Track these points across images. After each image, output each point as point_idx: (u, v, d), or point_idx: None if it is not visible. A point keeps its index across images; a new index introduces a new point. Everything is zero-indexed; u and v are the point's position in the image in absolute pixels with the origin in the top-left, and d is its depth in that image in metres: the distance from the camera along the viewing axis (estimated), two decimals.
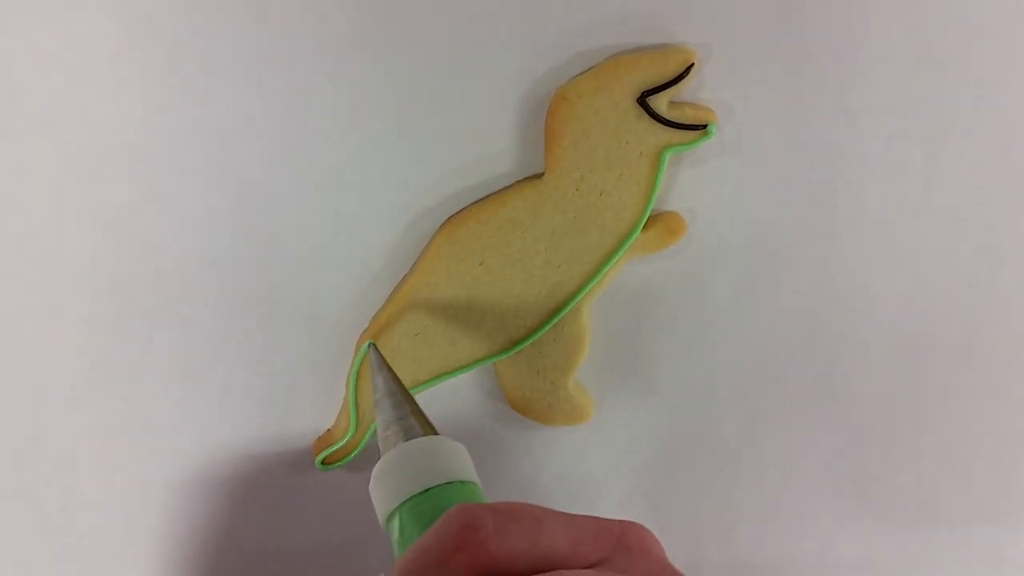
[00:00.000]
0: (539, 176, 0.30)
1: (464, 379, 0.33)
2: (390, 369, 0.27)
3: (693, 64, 0.29)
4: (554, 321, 0.31)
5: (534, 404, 0.32)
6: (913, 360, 0.33)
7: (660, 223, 0.31)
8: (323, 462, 0.33)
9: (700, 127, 0.29)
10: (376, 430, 0.26)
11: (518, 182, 0.31)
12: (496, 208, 0.30)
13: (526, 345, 0.31)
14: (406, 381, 0.32)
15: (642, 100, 0.29)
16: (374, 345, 0.29)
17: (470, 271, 0.31)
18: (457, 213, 0.31)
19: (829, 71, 0.30)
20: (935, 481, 0.34)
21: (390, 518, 0.23)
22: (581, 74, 0.29)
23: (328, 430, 0.33)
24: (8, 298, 0.32)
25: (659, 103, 0.29)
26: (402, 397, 0.26)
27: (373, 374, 0.28)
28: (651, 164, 0.29)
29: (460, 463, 0.24)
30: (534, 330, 0.31)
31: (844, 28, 0.30)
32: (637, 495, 0.34)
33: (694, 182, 0.31)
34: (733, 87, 0.30)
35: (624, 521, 0.21)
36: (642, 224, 0.30)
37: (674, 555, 0.24)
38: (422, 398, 0.32)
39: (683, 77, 0.29)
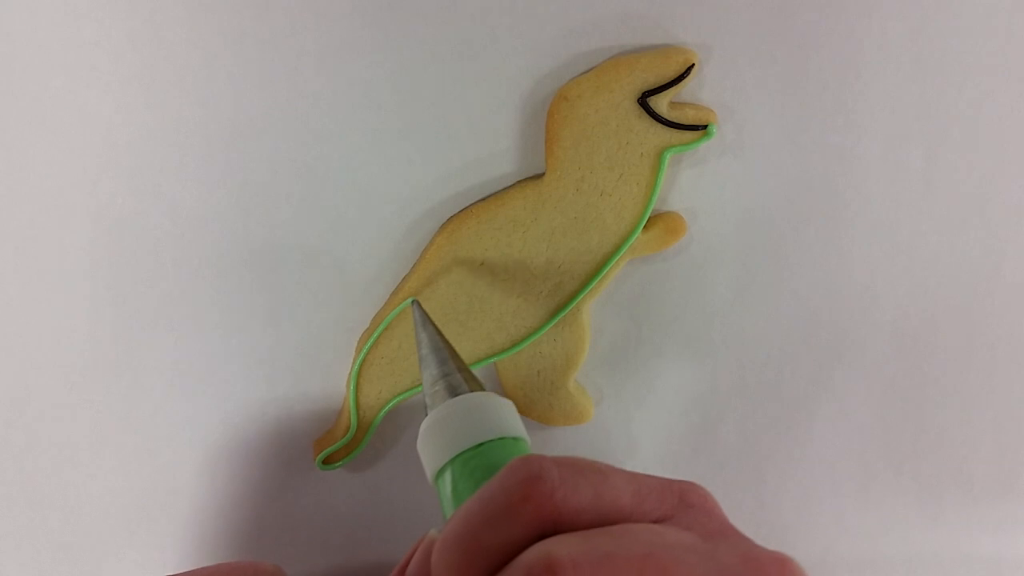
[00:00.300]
0: (540, 176, 0.30)
1: None
2: (434, 325, 0.27)
3: (694, 65, 0.29)
4: (554, 321, 0.31)
5: (534, 404, 0.32)
6: (913, 360, 0.33)
7: (660, 223, 0.31)
8: (323, 462, 0.33)
9: (700, 127, 0.29)
10: (422, 386, 0.25)
11: (519, 182, 0.31)
12: (497, 208, 0.30)
13: (526, 345, 0.31)
14: (406, 381, 0.32)
15: (643, 100, 0.29)
16: (417, 301, 0.28)
17: (470, 271, 0.31)
18: (458, 213, 0.31)
19: (829, 72, 0.30)
20: (935, 481, 0.34)
21: (440, 473, 0.22)
22: (582, 74, 0.29)
23: (328, 430, 0.33)
24: (8, 298, 0.32)
25: (660, 103, 0.29)
26: (448, 353, 0.26)
27: (417, 331, 0.27)
28: (652, 164, 0.29)
29: (511, 419, 0.23)
30: (534, 330, 0.31)
31: (844, 29, 0.30)
32: None
33: (694, 182, 0.31)
34: (733, 88, 0.30)
35: (685, 481, 0.20)
36: (643, 224, 0.30)
37: None
38: (422, 398, 0.33)
39: (683, 78, 0.29)
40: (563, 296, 0.31)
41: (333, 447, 0.33)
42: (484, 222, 0.30)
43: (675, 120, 0.29)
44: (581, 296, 0.31)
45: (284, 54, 0.30)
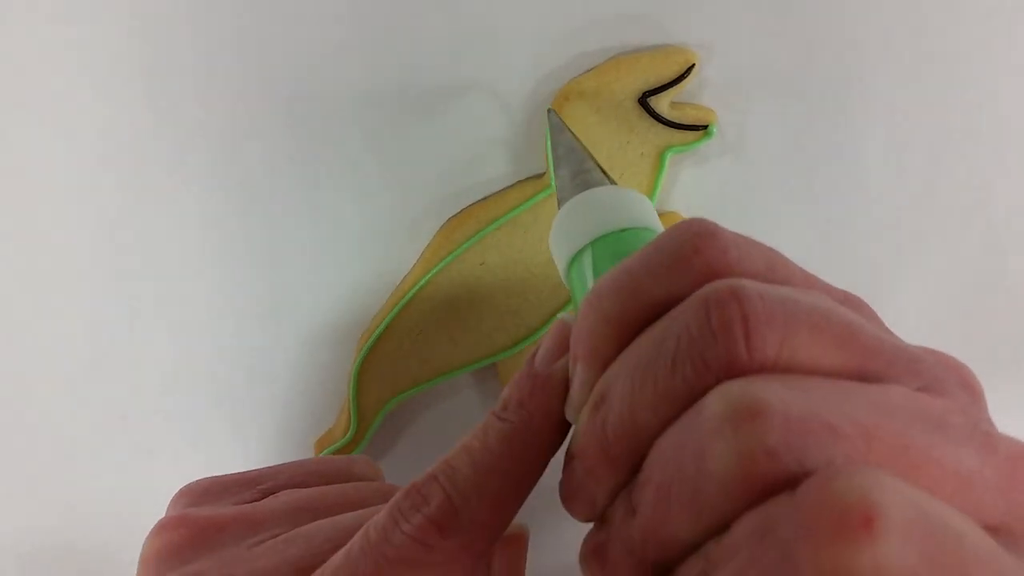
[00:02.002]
0: (540, 176, 0.30)
1: (465, 379, 0.33)
2: (571, 131, 0.26)
3: (694, 65, 0.29)
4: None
5: None
6: None
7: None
8: None
9: (701, 127, 0.29)
10: (555, 184, 0.24)
11: (519, 182, 0.31)
12: (497, 208, 0.30)
13: (527, 345, 0.31)
14: (406, 381, 0.32)
15: (643, 101, 0.29)
16: (552, 110, 0.27)
17: (471, 271, 0.31)
18: (458, 213, 0.31)
19: (830, 72, 0.30)
20: None
21: (578, 255, 0.21)
22: (582, 74, 0.29)
23: (328, 430, 0.33)
24: (8, 298, 0.32)
25: (660, 104, 0.29)
26: (587, 154, 0.24)
27: (555, 134, 0.26)
28: (652, 164, 0.29)
29: (654, 216, 0.22)
30: (534, 330, 0.31)
31: (845, 29, 0.30)
32: None
33: (695, 182, 0.31)
34: (734, 88, 0.30)
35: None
36: None
37: None
38: (422, 398, 0.33)
39: (684, 78, 0.29)
40: (563, 296, 0.31)
41: (333, 447, 0.33)
42: (484, 222, 0.30)
43: (676, 120, 0.29)
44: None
45: (284, 54, 0.30)
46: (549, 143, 0.26)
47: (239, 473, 0.26)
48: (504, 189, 0.31)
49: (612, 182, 0.23)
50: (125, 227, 0.31)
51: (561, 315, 0.19)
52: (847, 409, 0.14)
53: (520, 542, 0.21)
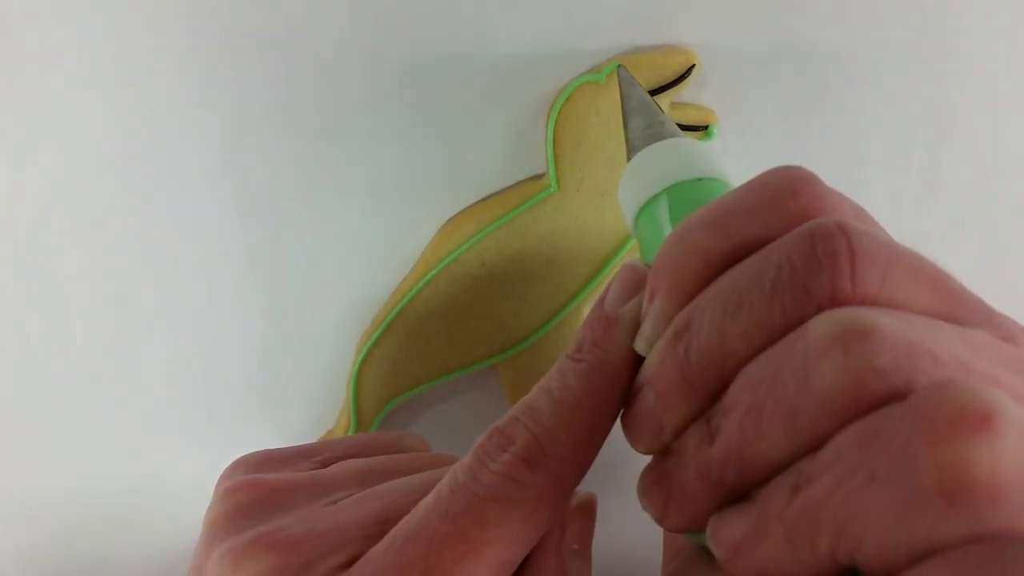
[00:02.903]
0: (540, 176, 0.30)
1: (465, 379, 0.33)
2: (641, 87, 0.26)
3: (694, 65, 0.29)
4: (555, 321, 0.31)
5: None
6: None
7: None
8: None
9: (701, 128, 0.29)
10: (627, 135, 0.24)
11: (519, 183, 0.31)
12: (497, 208, 0.30)
13: (527, 346, 0.31)
14: (406, 381, 0.32)
15: None
16: (621, 65, 0.27)
17: (471, 271, 0.31)
18: (458, 213, 0.31)
19: (830, 72, 0.30)
20: None
21: (651, 202, 0.21)
22: (582, 74, 0.29)
23: (328, 430, 0.33)
24: (8, 298, 0.32)
25: (660, 104, 0.29)
26: (658, 107, 0.25)
27: (626, 88, 0.26)
28: None
29: (726, 169, 0.22)
30: (535, 330, 0.31)
31: (845, 29, 0.29)
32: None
33: None
34: (734, 88, 0.30)
35: None
36: None
37: (655, 547, 0.24)
38: (422, 398, 0.33)
39: (684, 78, 0.29)
40: (563, 296, 0.31)
41: None
42: (484, 222, 0.30)
43: (676, 120, 0.29)
44: (582, 297, 0.31)
45: (284, 54, 0.30)
46: (621, 97, 0.26)
47: (293, 446, 0.26)
48: (504, 189, 0.31)
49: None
50: (125, 227, 0.31)
51: (627, 260, 0.20)
52: (944, 342, 0.15)
53: (590, 509, 0.22)
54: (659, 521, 0.19)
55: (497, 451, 0.19)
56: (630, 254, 0.30)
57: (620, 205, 0.23)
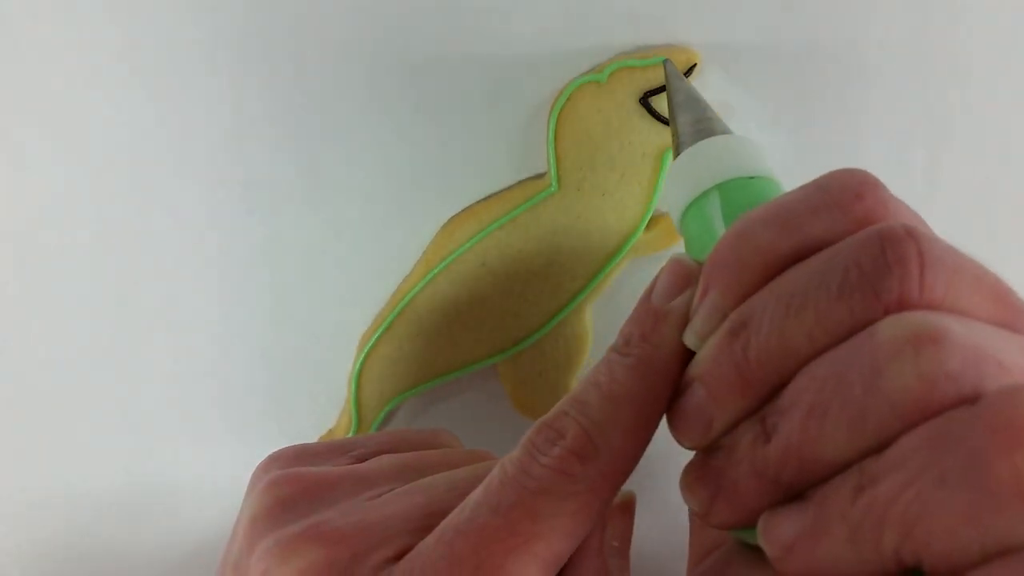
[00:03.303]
0: (541, 176, 0.30)
1: (466, 379, 0.33)
2: (687, 81, 0.26)
3: (696, 64, 0.29)
4: (556, 321, 0.31)
5: (535, 405, 0.32)
6: None
7: (662, 223, 0.31)
8: None
9: None
10: (674, 130, 0.24)
11: (520, 182, 0.31)
12: (497, 208, 0.30)
13: (528, 345, 0.31)
14: (407, 381, 0.32)
15: (645, 100, 0.29)
16: (668, 60, 0.27)
17: (471, 271, 0.31)
18: (458, 213, 0.31)
19: (831, 71, 0.30)
20: None
21: (701, 198, 0.21)
22: (583, 74, 0.29)
23: (329, 430, 0.33)
24: (8, 299, 0.32)
25: (662, 103, 0.29)
26: (706, 103, 0.24)
27: (673, 82, 0.26)
28: (653, 164, 0.29)
29: (773, 170, 0.22)
30: (535, 330, 0.31)
31: (846, 29, 0.30)
32: (639, 493, 0.34)
33: None
34: (735, 88, 0.30)
35: None
36: (644, 224, 0.30)
37: (676, 548, 0.24)
38: (422, 399, 0.33)
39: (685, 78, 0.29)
40: (564, 296, 0.31)
41: None
42: (485, 222, 0.30)
43: None
44: (582, 296, 0.31)
45: (285, 54, 0.30)
46: (668, 91, 0.26)
47: (325, 442, 0.26)
48: (504, 189, 0.31)
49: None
50: (125, 227, 0.31)
51: (675, 254, 0.20)
52: (1007, 349, 0.15)
53: (630, 507, 0.22)
54: (703, 517, 0.19)
55: (547, 444, 0.19)
56: (631, 254, 0.30)
57: (666, 199, 0.23)
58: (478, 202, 0.31)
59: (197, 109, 0.30)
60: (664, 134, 0.29)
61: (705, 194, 0.21)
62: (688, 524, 0.24)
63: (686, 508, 0.23)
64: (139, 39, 0.29)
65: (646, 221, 0.30)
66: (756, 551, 0.18)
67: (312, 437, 0.33)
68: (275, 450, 0.25)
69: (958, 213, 0.31)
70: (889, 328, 0.15)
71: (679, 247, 0.31)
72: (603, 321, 0.32)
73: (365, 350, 0.31)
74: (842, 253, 0.16)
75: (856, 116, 0.30)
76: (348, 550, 0.19)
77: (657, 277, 0.20)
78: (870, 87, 0.30)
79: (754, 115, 0.30)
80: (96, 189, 0.31)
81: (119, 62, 0.30)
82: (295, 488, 0.22)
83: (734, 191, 0.21)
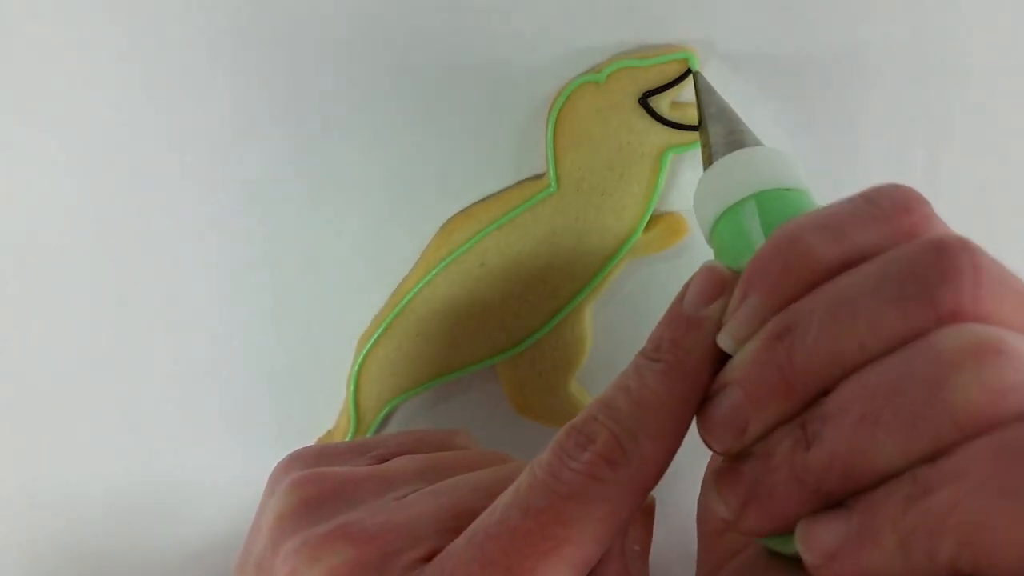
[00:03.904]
0: (540, 176, 0.30)
1: (465, 380, 0.33)
2: (718, 93, 0.26)
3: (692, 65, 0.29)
4: (555, 322, 0.31)
5: (535, 405, 0.32)
6: None
7: (662, 224, 0.31)
8: None
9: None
10: (705, 141, 0.24)
11: (519, 182, 0.31)
12: (497, 208, 0.30)
13: (527, 346, 0.31)
14: (406, 381, 0.32)
15: (644, 101, 0.29)
16: (699, 71, 0.27)
17: (470, 271, 0.31)
18: (458, 213, 0.31)
19: (831, 71, 0.30)
20: None
21: (736, 207, 0.21)
22: (582, 74, 0.29)
23: (328, 431, 0.33)
24: (8, 299, 0.32)
25: (661, 104, 0.29)
26: (737, 115, 0.25)
27: (705, 95, 0.26)
28: (653, 165, 0.29)
29: (806, 182, 0.22)
30: (535, 331, 0.31)
31: (846, 28, 0.30)
32: None
33: (695, 182, 0.31)
34: (735, 88, 0.30)
35: None
36: (643, 225, 0.30)
37: (676, 547, 0.24)
38: (421, 399, 0.33)
39: (685, 78, 0.29)
40: (564, 297, 0.31)
41: None
42: (484, 222, 0.30)
43: (676, 120, 0.29)
44: (582, 297, 0.31)
45: (284, 54, 0.30)
46: (699, 102, 0.26)
47: (345, 442, 0.26)
48: (504, 189, 0.31)
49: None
50: (125, 227, 0.31)
51: (707, 262, 0.20)
52: None
53: (650, 511, 0.22)
54: (732, 523, 0.18)
55: (577, 449, 0.19)
56: (630, 254, 0.30)
57: (695, 207, 0.23)
58: (477, 202, 0.31)
59: (197, 109, 0.30)
60: (663, 134, 0.29)
61: (741, 203, 0.21)
62: (696, 532, 0.24)
63: (693, 515, 0.23)
64: (139, 39, 0.29)
65: (645, 221, 0.30)
66: (783, 559, 0.18)
67: (311, 437, 0.33)
68: (294, 450, 0.25)
69: (958, 213, 0.31)
70: (950, 339, 0.15)
71: (678, 247, 0.31)
72: (602, 322, 0.32)
73: (364, 351, 0.31)
74: (897, 261, 0.16)
75: (856, 116, 0.30)
76: (377, 550, 0.19)
77: (688, 283, 0.20)
78: (870, 87, 0.30)
79: (754, 115, 0.30)
80: (96, 189, 0.31)
81: (119, 62, 0.30)
82: (320, 488, 0.22)
83: (771, 201, 0.21)
